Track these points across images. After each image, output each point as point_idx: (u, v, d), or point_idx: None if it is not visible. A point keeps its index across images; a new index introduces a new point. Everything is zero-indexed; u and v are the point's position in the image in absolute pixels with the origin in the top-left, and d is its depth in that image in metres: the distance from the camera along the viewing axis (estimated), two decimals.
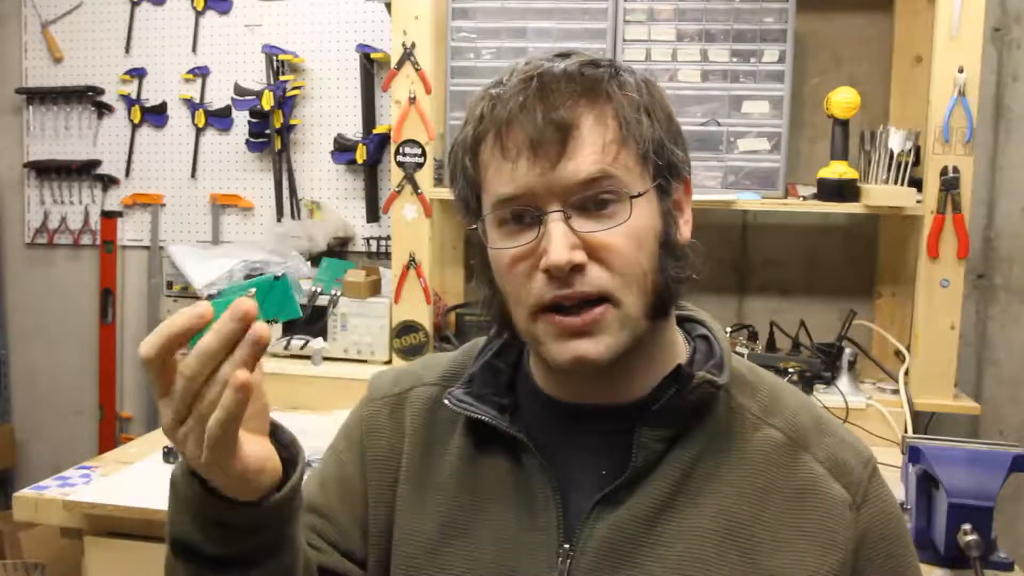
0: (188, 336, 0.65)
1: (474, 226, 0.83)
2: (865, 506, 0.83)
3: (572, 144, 0.76)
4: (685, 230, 0.84)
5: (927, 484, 1.50)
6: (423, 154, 2.25)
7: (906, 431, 1.99)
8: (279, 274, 0.68)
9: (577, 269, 0.76)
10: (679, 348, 0.88)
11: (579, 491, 0.83)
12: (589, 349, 0.77)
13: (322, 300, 2.39)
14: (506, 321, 0.84)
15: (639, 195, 0.78)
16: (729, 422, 0.84)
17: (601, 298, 0.77)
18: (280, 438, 0.75)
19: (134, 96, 2.85)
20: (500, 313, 0.84)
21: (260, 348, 0.64)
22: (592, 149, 0.77)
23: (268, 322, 0.67)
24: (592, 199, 0.77)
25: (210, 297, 0.68)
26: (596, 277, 0.77)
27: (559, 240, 0.75)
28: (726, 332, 2.15)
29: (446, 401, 0.87)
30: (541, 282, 0.77)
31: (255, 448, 0.70)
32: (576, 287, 0.76)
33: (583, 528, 0.81)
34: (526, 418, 0.87)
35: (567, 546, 0.81)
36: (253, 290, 0.67)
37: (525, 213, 0.78)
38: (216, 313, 0.65)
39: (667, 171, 0.81)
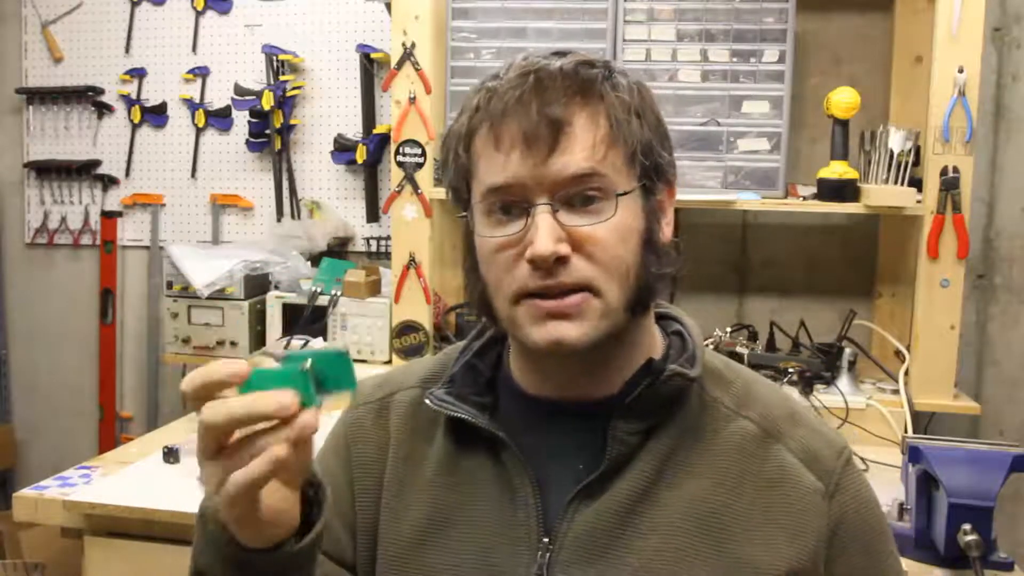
0: (224, 387, 0.67)
1: (464, 214, 0.85)
2: (838, 495, 0.84)
3: (564, 140, 0.78)
4: (667, 231, 0.86)
5: (927, 484, 1.50)
6: (423, 154, 2.25)
7: (906, 431, 1.99)
8: (342, 349, 0.70)
9: (561, 261, 0.78)
10: (656, 344, 0.89)
11: (557, 486, 0.84)
12: (567, 332, 0.79)
13: (322, 300, 2.39)
14: (487, 307, 0.85)
15: (625, 193, 0.80)
16: (702, 415, 0.86)
17: (583, 288, 0.79)
18: (312, 479, 0.76)
19: (134, 96, 2.85)
20: (481, 299, 0.85)
21: (305, 432, 0.66)
22: (583, 146, 0.78)
23: (320, 401, 0.68)
24: (579, 195, 0.79)
25: (288, 356, 0.70)
26: (579, 269, 0.78)
27: (545, 232, 0.77)
28: (717, 330, 2.18)
29: (427, 401, 0.88)
30: (525, 271, 0.79)
31: (276, 500, 0.71)
32: (559, 278, 0.78)
33: (561, 522, 0.83)
34: (506, 416, 0.88)
35: (546, 540, 0.82)
36: (309, 362, 0.68)
37: (513, 204, 0.80)
38: (254, 379, 0.66)
39: (653, 172, 0.83)
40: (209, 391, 0.66)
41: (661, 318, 0.93)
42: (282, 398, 0.65)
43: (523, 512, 0.84)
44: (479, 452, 0.87)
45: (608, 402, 0.84)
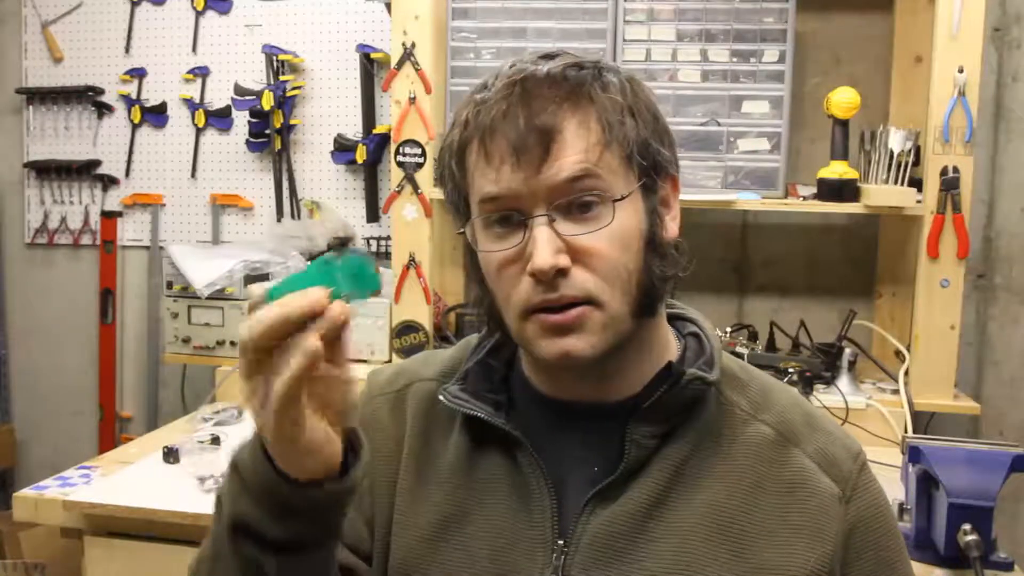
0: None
1: (462, 230, 0.85)
2: (854, 499, 0.84)
3: (555, 149, 0.77)
4: (672, 227, 0.85)
5: (927, 484, 1.50)
6: (423, 154, 2.25)
7: (906, 431, 1.99)
8: (363, 252, 0.69)
9: (562, 273, 0.77)
10: (670, 346, 0.89)
11: (573, 488, 0.84)
12: (575, 346, 0.78)
13: None
14: (497, 320, 0.85)
15: (622, 198, 0.79)
16: (720, 418, 0.85)
17: (585, 300, 0.78)
18: (352, 435, 0.75)
19: (134, 96, 2.85)
20: (491, 312, 0.85)
21: (337, 324, 0.66)
22: (574, 151, 0.77)
23: (347, 292, 0.67)
24: (576, 202, 0.78)
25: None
26: (581, 280, 0.78)
27: (544, 245, 0.77)
28: (717, 330, 2.18)
29: (441, 397, 0.88)
30: (528, 285, 0.79)
31: (320, 430, 0.70)
32: (561, 291, 0.78)
33: (576, 524, 0.82)
34: (520, 415, 0.88)
35: (561, 542, 0.82)
36: (331, 254, 0.68)
37: (511, 216, 0.79)
38: (281, 286, 0.67)
39: (652, 170, 0.82)
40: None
41: (675, 319, 0.92)
42: (311, 294, 0.65)
43: (538, 514, 0.83)
44: (495, 450, 0.87)
45: (624, 404, 0.84)
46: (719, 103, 2.20)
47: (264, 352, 0.66)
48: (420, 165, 2.26)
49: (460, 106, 0.84)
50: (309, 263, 0.68)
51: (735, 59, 2.19)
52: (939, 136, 2.01)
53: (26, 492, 1.78)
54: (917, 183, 2.10)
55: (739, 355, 2.09)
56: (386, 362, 2.33)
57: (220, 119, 2.80)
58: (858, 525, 0.83)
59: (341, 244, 0.68)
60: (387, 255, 2.53)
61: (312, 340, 0.64)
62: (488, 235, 0.81)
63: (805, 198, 2.21)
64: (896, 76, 2.35)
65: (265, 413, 0.67)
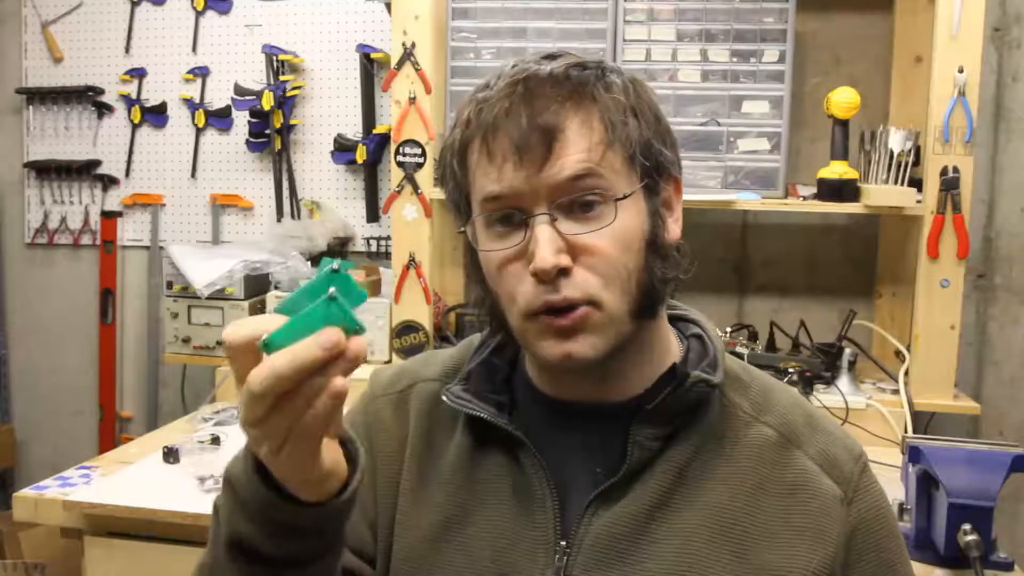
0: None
1: (463, 229, 0.84)
2: (856, 501, 0.84)
3: (558, 147, 0.77)
4: (674, 229, 0.85)
5: (927, 484, 1.50)
6: (423, 154, 2.25)
7: (906, 431, 1.99)
8: (333, 267, 0.64)
9: (563, 272, 0.77)
10: (672, 347, 0.89)
11: (575, 489, 0.84)
12: (576, 348, 0.78)
13: None
14: (499, 320, 0.85)
15: (624, 197, 0.79)
16: (722, 420, 0.85)
17: (586, 300, 0.78)
18: (341, 436, 0.74)
19: (134, 96, 2.85)
20: (492, 312, 0.85)
21: (359, 361, 0.62)
22: (576, 150, 0.77)
23: (362, 324, 0.63)
24: (578, 201, 0.78)
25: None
26: (582, 281, 0.78)
27: (545, 244, 0.76)
28: (718, 330, 2.18)
29: (444, 398, 0.88)
30: (530, 285, 0.78)
31: (329, 452, 0.69)
32: (564, 292, 0.77)
33: (579, 526, 0.82)
34: (522, 415, 0.87)
35: (563, 543, 0.82)
36: (333, 289, 0.62)
37: (513, 215, 0.79)
38: (282, 331, 0.62)
39: (655, 171, 0.82)
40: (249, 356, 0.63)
41: (677, 320, 0.92)
42: (325, 340, 0.60)
43: (540, 515, 0.83)
44: (497, 451, 0.86)
45: (627, 406, 0.84)
46: (719, 103, 2.20)
47: (276, 399, 0.62)
48: (420, 165, 2.25)
49: (462, 105, 0.84)
50: (301, 291, 0.64)
51: (735, 59, 2.19)
52: (939, 136, 2.01)
53: (26, 492, 1.78)
54: (917, 183, 2.10)
55: (739, 355, 2.09)
56: (386, 362, 2.33)
57: (220, 119, 2.80)
58: (859, 527, 0.83)
59: (333, 270, 0.64)
60: (387, 255, 2.53)
61: (340, 383, 0.62)
62: (489, 234, 0.81)
63: (805, 198, 2.21)
64: (896, 76, 2.35)
65: (281, 457, 0.65)
